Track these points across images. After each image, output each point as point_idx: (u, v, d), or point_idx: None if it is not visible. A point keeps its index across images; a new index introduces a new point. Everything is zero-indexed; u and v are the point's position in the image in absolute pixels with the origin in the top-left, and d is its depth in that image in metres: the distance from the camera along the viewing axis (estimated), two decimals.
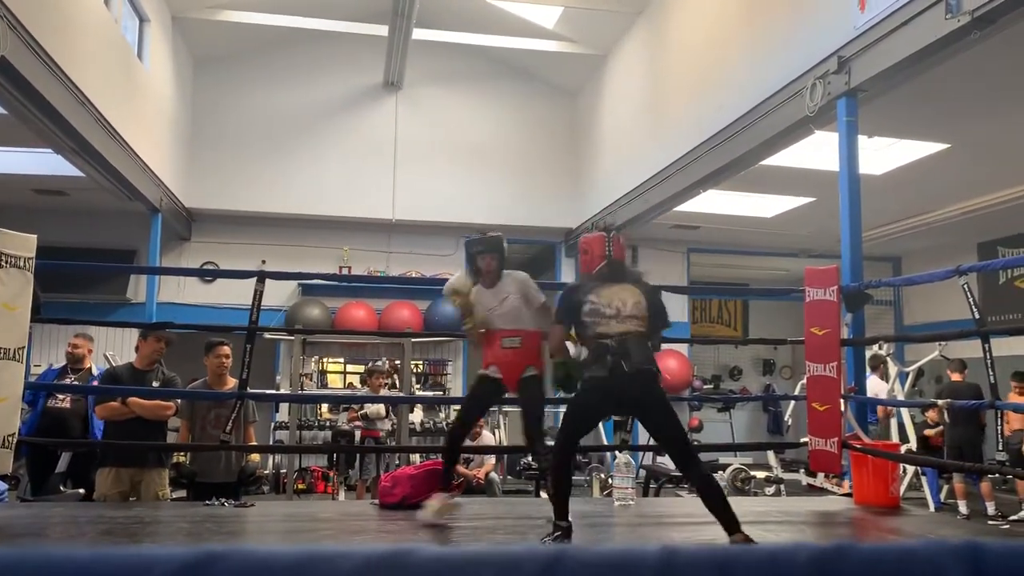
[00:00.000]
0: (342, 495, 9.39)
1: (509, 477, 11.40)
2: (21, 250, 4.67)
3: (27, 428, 6.59)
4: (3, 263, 4.54)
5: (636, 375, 3.76)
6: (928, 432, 9.32)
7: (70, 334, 9.60)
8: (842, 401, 5.41)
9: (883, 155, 8.79)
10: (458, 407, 12.27)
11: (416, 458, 8.36)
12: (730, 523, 3.59)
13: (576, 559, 0.44)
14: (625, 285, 4.00)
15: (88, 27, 8.32)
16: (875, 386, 8.55)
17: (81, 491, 6.23)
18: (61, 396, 6.46)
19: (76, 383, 6.40)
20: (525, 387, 4.36)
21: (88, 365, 6.70)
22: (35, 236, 4.78)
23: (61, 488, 6.44)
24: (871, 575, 0.46)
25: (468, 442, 8.48)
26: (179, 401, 5.50)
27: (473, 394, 4.66)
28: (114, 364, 7.40)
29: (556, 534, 3.80)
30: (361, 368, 12.37)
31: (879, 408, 8.80)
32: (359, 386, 12.04)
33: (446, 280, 4.71)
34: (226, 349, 5.57)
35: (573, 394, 4.13)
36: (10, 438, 4.61)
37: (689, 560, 0.45)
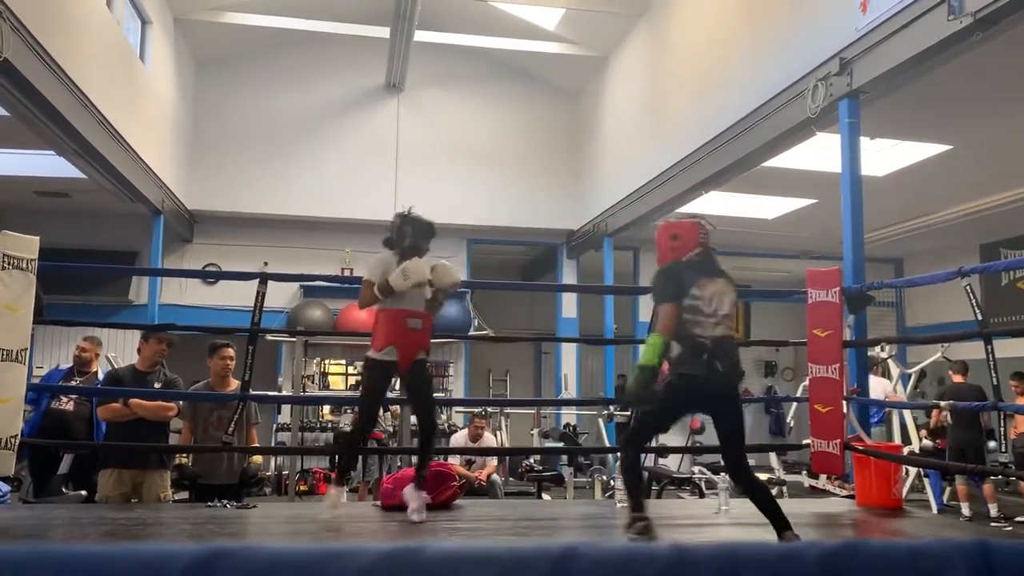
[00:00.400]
0: (344, 497, 9.39)
1: (511, 479, 11.40)
2: (23, 252, 4.68)
3: (29, 428, 6.59)
4: (6, 265, 4.54)
5: (729, 374, 3.82)
6: (923, 434, 9.31)
7: (72, 336, 9.57)
8: (844, 403, 5.40)
9: (885, 156, 8.78)
10: (461, 409, 12.21)
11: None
12: (780, 523, 3.70)
13: (587, 556, 0.44)
14: (719, 280, 3.90)
15: (90, 29, 8.33)
16: (875, 385, 8.55)
17: (83, 493, 6.23)
18: (65, 398, 6.45)
19: (81, 385, 6.39)
20: (421, 369, 4.47)
21: (95, 369, 6.69)
22: (37, 238, 4.79)
23: (63, 490, 6.44)
24: (881, 572, 0.46)
25: (469, 443, 8.51)
26: (181, 403, 5.50)
27: (376, 385, 4.49)
28: (116, 366, 7.40)
29: (641, 524, 3.70)
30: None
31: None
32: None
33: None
34: (230, 351, 5.58)
35: (645, 398, 3.84)
36: (12, 439, 4.61)
37: (698, 558, 0.45)
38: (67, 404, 6.42)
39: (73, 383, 6.48)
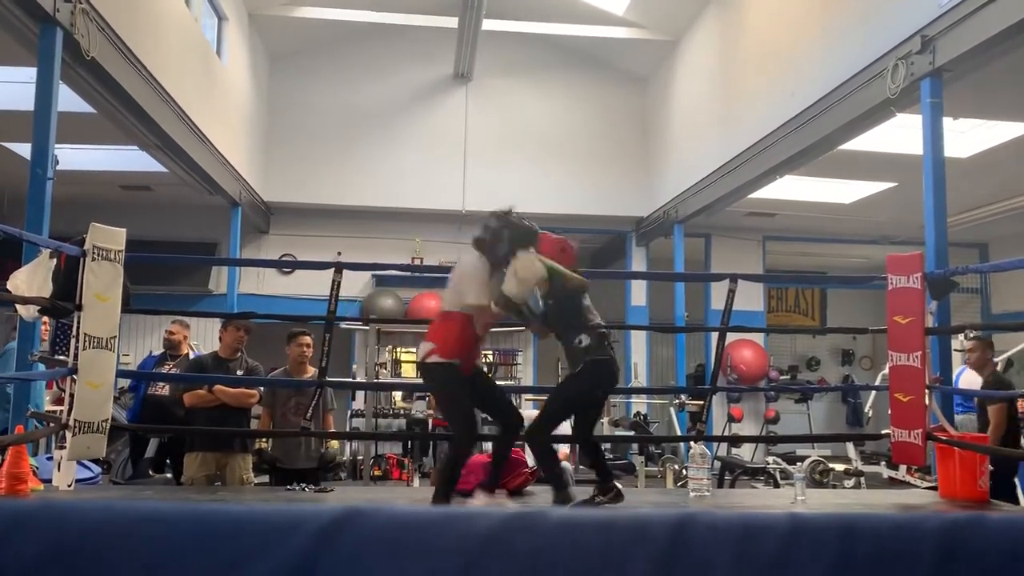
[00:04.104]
0: (416, 482, 9.53)
1: (581, 467, 11.39)
2: (111, 243, 4.86)
3: (131, 416, 6.88)
4: (96, 256, 4.73)
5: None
6: None
7: (157, 324, 9.88)
8: (927, 392, 5.24)
9: (969, 137, 8.48)
10: (530, 397, 12.27)
11: (487, 447, 8.43)
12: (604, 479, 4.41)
13: (704, 523, 0.45)
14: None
15: (170, 27, 8.59)
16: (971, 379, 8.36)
17: (168, 475, 6.48)
18: (161, 383, 6.65)
19: (175, 370, 6.57)
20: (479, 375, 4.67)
21: (185, 351, 6.89)
22: (124, 230, 4.96)
23: (149, 472, 6.70)
24: (1003, 545, 0.45)
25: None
26: (262, 389, 5.65)
27: (464, 392, 4.33)
28: (198, 353, 7.64)
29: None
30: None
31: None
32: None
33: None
34: (307, 339, 5.69)
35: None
36: (103, 423, 4.80)
37: (815, 526, 0.45)
38: (162, 389, 6.61)
39: (166, 367, 6.69)
